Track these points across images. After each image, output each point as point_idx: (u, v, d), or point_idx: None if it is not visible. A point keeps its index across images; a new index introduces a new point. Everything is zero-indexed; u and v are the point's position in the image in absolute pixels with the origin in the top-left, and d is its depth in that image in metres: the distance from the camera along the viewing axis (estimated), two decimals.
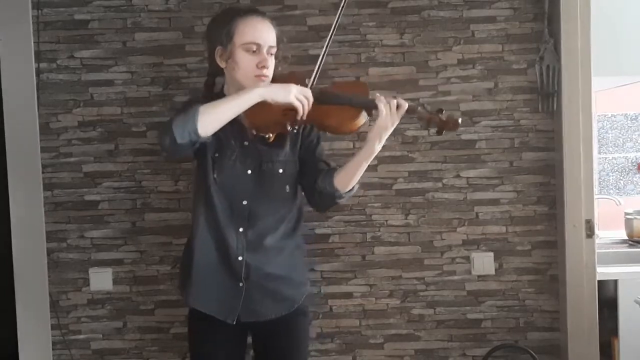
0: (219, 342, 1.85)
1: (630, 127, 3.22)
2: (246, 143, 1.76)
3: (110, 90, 2.32)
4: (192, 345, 1.90)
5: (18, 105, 2.28)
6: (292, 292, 1.84)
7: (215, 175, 1.75)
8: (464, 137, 2.32)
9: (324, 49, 1.74)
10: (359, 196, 2.32)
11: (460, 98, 2.31)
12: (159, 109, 2.31)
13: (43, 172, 2.31)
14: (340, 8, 1.78)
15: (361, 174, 1.72)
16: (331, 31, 1.76)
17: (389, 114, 1.63)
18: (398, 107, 1.64)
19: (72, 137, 2.32)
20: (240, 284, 1.78)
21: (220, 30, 1.72)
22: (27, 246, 2.30)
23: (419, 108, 1.66)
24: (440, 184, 2.33)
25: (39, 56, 2.30)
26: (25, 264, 2.30)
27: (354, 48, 2.30)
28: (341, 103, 1.68)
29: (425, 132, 2.31)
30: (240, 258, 1.77)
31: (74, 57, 2.32)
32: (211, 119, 1.57)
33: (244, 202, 1.76)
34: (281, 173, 1.77)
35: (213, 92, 1.81)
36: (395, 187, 2.33)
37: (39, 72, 2.30)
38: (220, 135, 1.70)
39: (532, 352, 2.26)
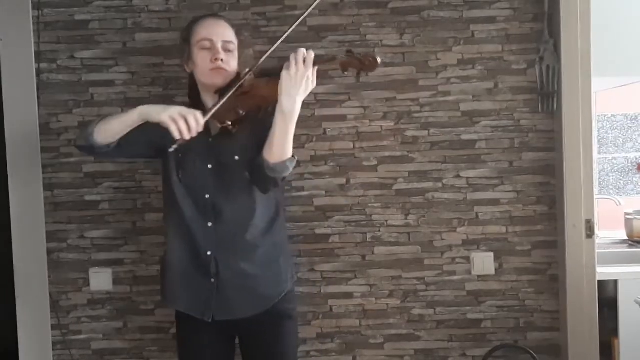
0: (203, 343, 1.87)
1: (630, 127, 3.23)
2: (210, 140, 1.81)
3: (111, 90, 2.32)
4: (178, 346, 1.93)
5: (18, 105, 2.28)
6: (268, 291, 1.84)
7: (180, 175, 1.80)
8: (463, 137, 2.32)
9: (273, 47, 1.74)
10: (359, 196, 2.33)
11: (460, 98, 2.31)
12: None
13: (43, 173, 2.31)
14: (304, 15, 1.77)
15: (286, 142, 1.67)
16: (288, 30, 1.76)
17: (292, 66, 1.60)
18: (304, 60, 1.60)
19: (72, 137, 2.32)
20: (212, 280, 1.79)
21: (182, 39, 1.86)
22: (28, 246, 2.30)
23: (339, 56, 1.64)
24: (440, 184, 2.33)
25: (39, 56, 2.30)
26: (25, 264, 2.30)
27: (354, 48, 2.27)
28: (271, 73, 1.68)
29: (425, 132, 2.32)
30: (209, 253, 1.79)
31: (74, 57, 2.32)
32: (105, 130, 1.76)
33: (207, 196, 1.80)
34: (238, 160, 1.78)
35: (199, 100, 1.86)
36: (395, 187, 2.34)
37: (39, 72, 2.30)
38: None
39: (532, 352, 2.26)
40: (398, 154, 2.33)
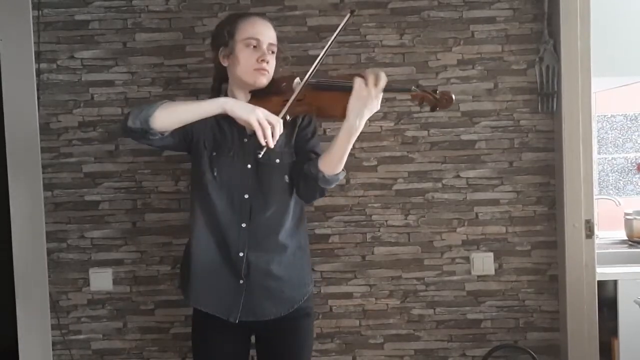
0: (221, 342, 1.85)
1: (630, 127, 3.23)
2: (245, 140, 1.80)
3: (111, 90, 2.32)
4: (195, 345, 1.91)
5: (18, 105, 2.28)
6: (293, 293, 1.84)
7: (215, 173, 1.78)
8: (463, 137, 2.32)
9: (322, 53, 1.71)
10: (359, 196, 2.33)
11: (460, 98, 2.31)
12: None
13: (43, 173, 2.31)
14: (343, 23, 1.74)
15: (345, 155, 1.69)
16: (332, 39, 1.72)
17: (363, 87, 1.61)
18: (376, 81, 1.62)
19: (72, 137, 2.33)
20: (241, 282, 1.79)
21: (223, 31, 1.80)
22: (28, 246, 2.30)
23: (412, 87, 1.68)
24: (440, 184, 2.33)
25: (39, 56, 2.30)
26: (25, 264, 2.30)
27: (353, 48, 2.31)
28: (331, 89, 1.71)
29: (425, 132, 2.32)
30: (241, 254, 1.78)
31: (74, 57, 2.32)
32: (167, 115, 1.62)
33: (246, 196, 1.78)
34: (278, 163, 1.79)
35: (219, 96, 1.85)
36: (395, 187, 2.34)
37: (39, 72, 2.30)
38: (218, 135, 1.79)
39: (532, 352, 2.26)
40: (398, 154, 2.33)
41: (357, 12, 2.29)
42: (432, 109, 1.70)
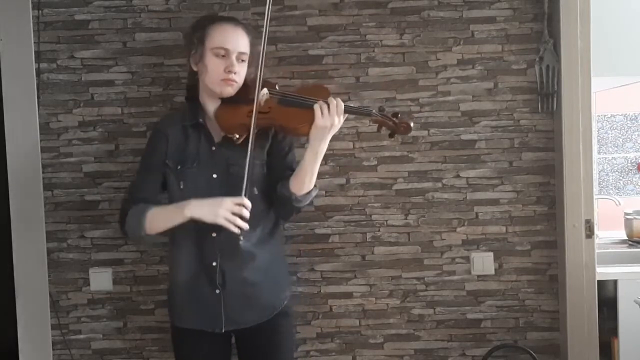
0: (201, 344, 1.86)
1: (630, 127, 3.23)
2: (213, 148, 1.81)
3: (111, 90, 2.32)
4: (176, 351, 1.92)
5: (18, 105, 2.28)
6: (271, 299, 1.86)
7: (181, 186, 1.79)
8: (463, 137, 2.32)
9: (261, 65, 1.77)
10: (359, 196, 2.33)
11: (460, 98, 2.31)
12: (159, 109, 2.31)
13: (43, 172, 2.31)
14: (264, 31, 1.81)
15: (313, 176, 1.74)
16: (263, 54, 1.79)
17: (324, 115, 1.67)
18: (338, 110, 1.68)
19: (72, 137, 2.33)
20: (217, 291, 1.79)
21: (193, 36, 1.81)
22: (28, 246, 2.30)
23: (373, 111, 1.74)
24: (440, 184, 2.33)
25: (39, 56, 2.30)
26: (25, 264, 2.30)
27: (353, 48, 2.31)
28: (296, 105, 1.75)
29: (425, 132, 2.32)
30: (214, 264, 1.79)
31: (74, 57, 2.32)
32: (154, 227, 1.78)
33: None
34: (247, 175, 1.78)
35: (194, 103, 1.88)
36: (395, 187, 2.34)
37: (39, 72, 2.30)
38: (183, 147, 1.82)
39: (531, 352, 2.26)
40: (398, 154, 2.33)
41: (358, 13, 2.30)
42: (391, 135, 1.77)
